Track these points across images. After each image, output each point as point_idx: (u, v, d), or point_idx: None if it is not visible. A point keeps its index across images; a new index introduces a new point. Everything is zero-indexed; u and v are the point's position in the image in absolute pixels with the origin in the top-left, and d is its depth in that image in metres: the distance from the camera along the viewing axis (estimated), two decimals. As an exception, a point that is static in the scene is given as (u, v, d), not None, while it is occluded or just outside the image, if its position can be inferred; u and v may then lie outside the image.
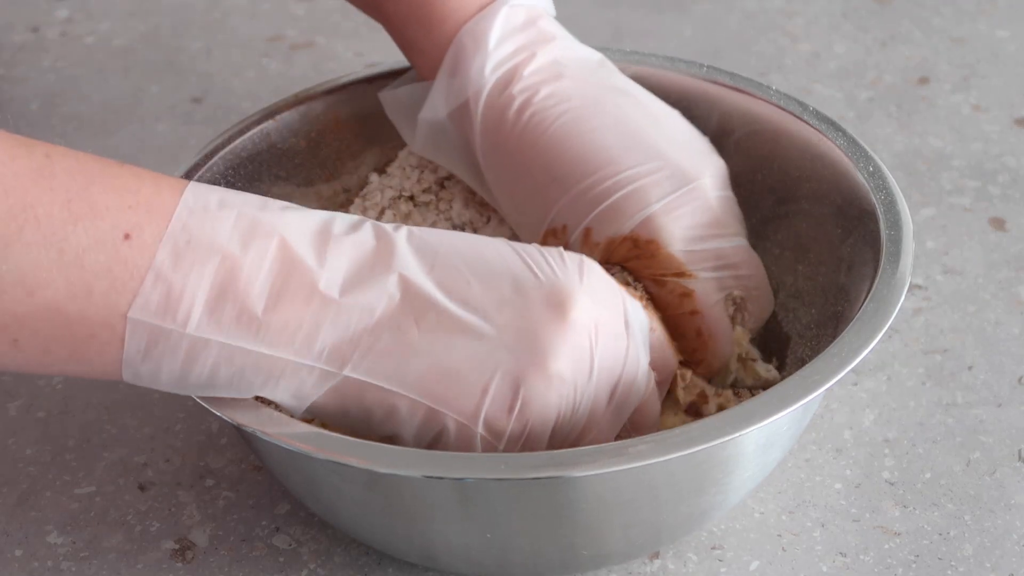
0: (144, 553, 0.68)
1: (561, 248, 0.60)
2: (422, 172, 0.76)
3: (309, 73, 1.01)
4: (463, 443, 0.58)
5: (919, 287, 0.82)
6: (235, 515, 0.70)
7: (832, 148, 0.71)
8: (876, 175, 0.68)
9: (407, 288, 0.57)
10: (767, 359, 0.72)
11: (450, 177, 0.76)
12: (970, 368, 0.76)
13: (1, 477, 0.72)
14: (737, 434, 0.56)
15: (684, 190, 0.67)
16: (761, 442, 0.60)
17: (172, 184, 0.56)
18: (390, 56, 0.74)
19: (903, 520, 0.68)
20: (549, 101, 0.69)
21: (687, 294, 0.68)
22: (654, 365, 0.64)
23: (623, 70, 0.75)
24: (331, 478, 0.60)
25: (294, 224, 0.57)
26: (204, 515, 0.70)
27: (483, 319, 0.57)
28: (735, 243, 0.69)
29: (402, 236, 0.58)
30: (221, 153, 0.73)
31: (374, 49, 1.04)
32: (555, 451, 0.57)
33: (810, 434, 0.73)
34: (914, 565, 0.66)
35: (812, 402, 0.59)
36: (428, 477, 0.56)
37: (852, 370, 0.59)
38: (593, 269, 0.60)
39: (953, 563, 0.66)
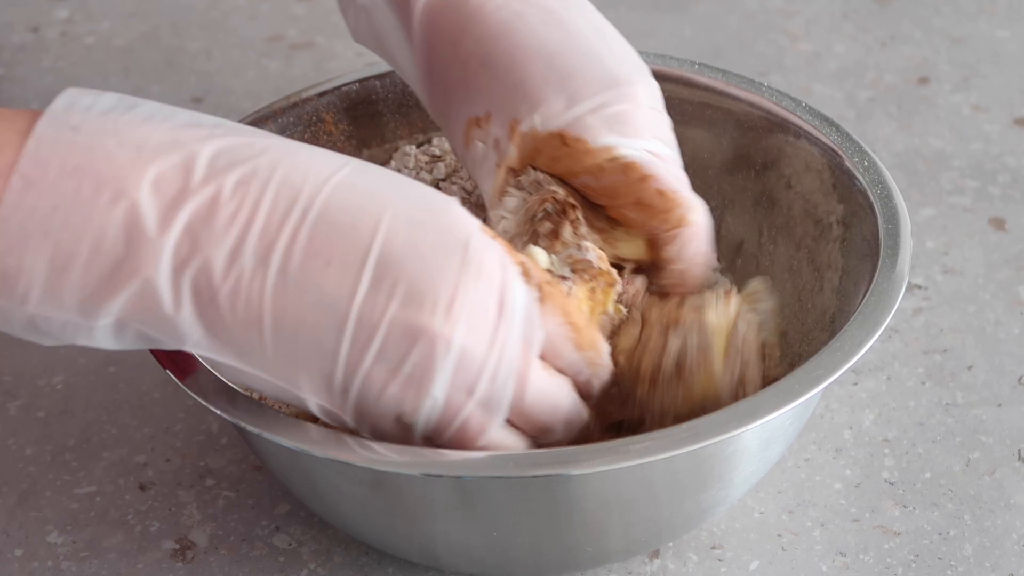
0: (144, 553, 0.68)
1: (452, 222, 0.56)
2: (418, 173, 0.76)
3: (309, 73, 1.01)
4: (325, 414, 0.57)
5: (919, 287, 0.82)
6: (235, 515, 0.70)
7: (827, 143, 0.71)
8: (872, 170, 0.69)
9: (253, 263, 0.54)
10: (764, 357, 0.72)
11: (446, 178, 0.76)
12: (970, 368, 0.76)
13: (1, 477, 0.72)
14: (739, 431, 0.56)
15: (617, 91, 0.64)
16: (762, 439, 0.60)
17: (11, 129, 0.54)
18: (390, 56, 0.74)
19: (903, 520, 0.68)
20: (500, 12, 0.66)
21: (630, 165, 0.64)
22: (554, 356, 0.59)
23: None
24: (331, 477, 0.60)
25: (149, 177, 0.54)
26: (204, 515, 0.70)
27: (329, 309, 0.55)
28: (665, 150, 0.65)
29: (267, 197, 0.54)
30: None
31: (374, 49, 1.04)
32: (555, 449, 0.57)
33: (810, 434, 0.73)
34: (914, 565, 0.66)
35: (813, 398, 0.59)
36: (427, 475, 0.56)
37: (852, 370, 0.59)
38: (476, 258, 0.55)
39: (953, 563, 0.66)
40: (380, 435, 0.58)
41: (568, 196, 0.64)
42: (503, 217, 0.66)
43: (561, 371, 0.59)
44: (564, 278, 0.62)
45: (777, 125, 0.73)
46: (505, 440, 0.58)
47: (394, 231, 0.55)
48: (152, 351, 0.61)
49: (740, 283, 0.75)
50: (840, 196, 0.70)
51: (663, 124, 0.66)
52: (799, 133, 0.72)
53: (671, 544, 0.67)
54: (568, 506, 0.58)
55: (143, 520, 0.70)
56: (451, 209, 0.56)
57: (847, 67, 1.01)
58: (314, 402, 0.57)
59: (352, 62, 1.02)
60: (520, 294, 0.57)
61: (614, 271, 0.63)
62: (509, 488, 0.57)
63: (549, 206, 0.65)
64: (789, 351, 0.72)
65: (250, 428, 0.58)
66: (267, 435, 0.57)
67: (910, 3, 1.08)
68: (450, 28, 0.67)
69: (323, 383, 0.56)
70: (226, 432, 0.74)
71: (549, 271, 0.62)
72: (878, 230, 0.65)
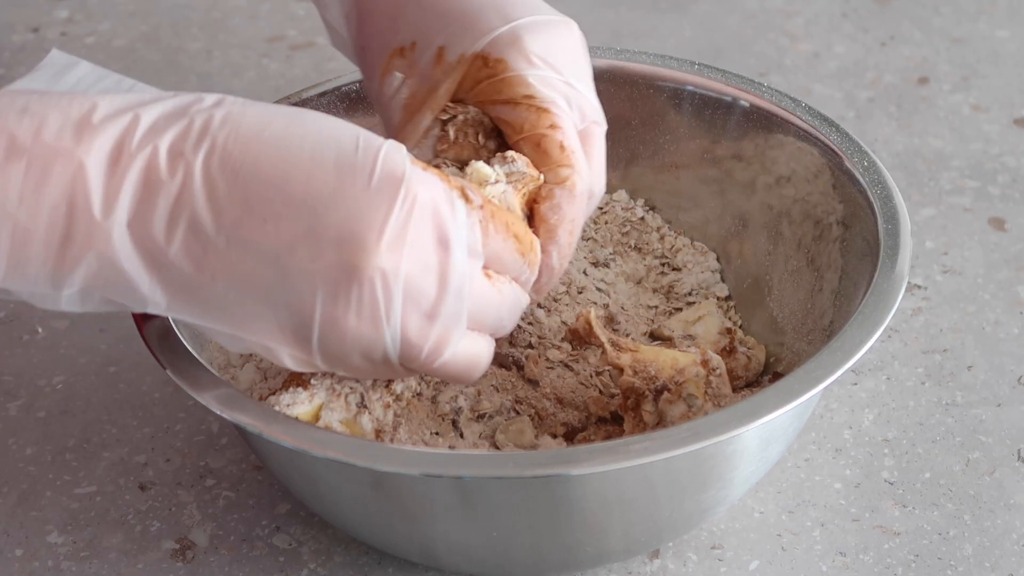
0: (144, 553, 0.68)
1: (381, 160, 0.56)
2: None
3: (309, 73, 1.01)
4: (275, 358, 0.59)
5: (919, 287, 0.82)
6: (235, 515, 0.70)
7: (826, 143, 0.71)
8: (871, 170, 0.69)
9: (194, 227, 0.56)
10: (764, 356, 0.73)
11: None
12: (970, 368, 0.76)
13: (1, 477, 0.72)
14: (739, 431, 0.56)
15: (547, 18, 0.65)
16: (762, 439, 0.60)
17: None
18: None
19: (903, 520, 0.68)
20: None
21: (544, 110, 0.64)
22: (497, 264, 0.60)
23: (617, 68, 0.75)
24: (331, 477, 0.60)
25: (92, 152, 0.55)
26: (204, 515, 0.70)
27: (273, 264, 0.56)
28: (579, 94, 0.66)
29: (199, 161, 0.55)
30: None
31: (374, 49, 1.04)
32: (556, 450, 0.57)
33: (810, 434, 0.73)
34: (914, 565, 0.66)
35: (813, 398, 0.59)
36: (427, 475, 0.56)
37: (852, 370, 0.59)
38: (411, 183, 0.56)
39: (953, 563, 0.66)
40: (356, 372, 0.59)
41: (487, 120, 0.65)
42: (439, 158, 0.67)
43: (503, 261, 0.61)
44: (501, 182, 0.64)
45: (777, 125, 0.73)
46: (471, 346, 0.59)
47: (324, 180, 0.55)
48: (151, 350, 0.61)
49: (739, 283, 0.76)
50: (840, 196, 0.70)
51: (584, 63, 0.66)
52: (799, 133, 0.72)
53: (671, 544, 0.67)
54: (568, 506, 0.58)
55: (143, 520, 0.70)
56: (382, 149, 0.56)
57: (847, 67, 1.01)
58: (286, 352, 0.58)
59: (352, 62, 1.02)
60: (460, 217, 0.57)
61: (535, 171, 0.65)
62: (509, 488, 0.57)
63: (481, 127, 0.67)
64: (789, 351, 0.72)
65: (250, 428, 0.58)
66: (267, 436, 0.57)
67: (910, 3, 1.08)
68: None
69: (285, 335, 0.57)
70: (226, 432, 0.74)
71: (488, 184, 0.63)
72: (878, 230, 0.65)
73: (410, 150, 0.63)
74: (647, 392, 0.64)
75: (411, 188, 0.56)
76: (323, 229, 0.55)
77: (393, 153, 0.56)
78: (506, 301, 0.61)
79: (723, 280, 0.76)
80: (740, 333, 0.73)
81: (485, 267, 0.60)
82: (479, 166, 0.63)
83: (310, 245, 0.55)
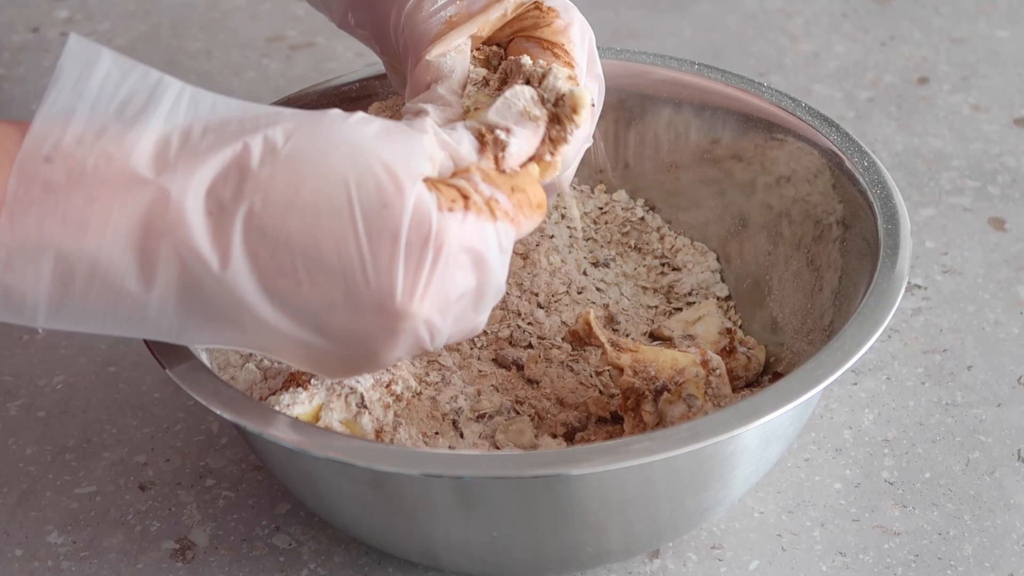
0: (144, 553, 0.68)
1: (407, 217, 0.56)
2: None
3: (309, 73, 1.01)
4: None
5: (919, 287, 0.82)
6: (235, 515, 0.70)
7: (826, 143, 0.71)
8: (871, 170, 0.69)
9: (234, 293, 0.56)
10: (765, 356, 0.73)
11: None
12: (970, 368, 0.76)
13: (1, 477, 0.72)
14: (739, 431, 0.56)
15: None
16: (762, 439, 0.60)
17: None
18: (390, 56, 0.74)
19: (903, 520, 0.68)
20: None
21: (569, 60, 0.65)
22: None
23: (617, 67, 0.75)
24: (332, 477, 0.60)
25: (119, 229, 0.55)
26: (204, 515, 0.70)
27: (312, 326, 0.57)
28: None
29: (238, 227, 0.55)
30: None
31: (374, 49, 1.04)
32: (556, 450, 0.57)
33: (810, 434, 0.73)
34: (914, 565, 0.66)
35: (813, 399, 0.59)
36: (427, 475, 0.56)
37: (852, 370, 0.59)
38: (441, 235, 0.56)
39: (953, 563, 0.66)
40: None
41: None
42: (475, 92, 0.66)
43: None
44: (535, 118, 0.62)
45: (776, 125, 0.73)
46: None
47: (355, 246, 0.56)
48: (151, 350, 0.61)
49: (739, 283, 0.76)
50: (840, 196, 0.70)
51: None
52: (798, 133, 0.72)
53: (671, 544, 0.67)
54: (568, 506, 0.58)
55: (143, 520, 0.70)
56: (407, 204, 0.56)
57: (847, 67, 1.01)
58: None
59: (352, 62, 1.02)
60: (491, 240, 0.58)
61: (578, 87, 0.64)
62: (509, 488, 0.57)
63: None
64: (789, 350, 0.72)
65: (250, 428, 0.58)
66: (267, 435, 0.57)
67: (910, 3, 1.08)
68: None
69: (322, 369, 0.59)
70: (226, 432, 0.74)
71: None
72: (878, 230, 0.65)
73: (431, 68, 0.65)
74: (647, 392, 0.64)
75: (440, 238, 0.56)
76: (359, 295, 0.56)
77: (420, 206, 0.56)
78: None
79: (723, 280, 0.77)
80: (740, 333, 0.73)
81: None
82: (523, 90, 0.62)
83: (348, 309, 0.56)
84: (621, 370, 0.65)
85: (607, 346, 0.66)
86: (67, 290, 0.55)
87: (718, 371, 0.65)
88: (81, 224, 0.54)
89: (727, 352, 0.71)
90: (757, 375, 0.71)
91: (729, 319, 0.75)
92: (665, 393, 0.64)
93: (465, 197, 0.57)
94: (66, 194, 0.54)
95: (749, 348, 0.72)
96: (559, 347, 0.72)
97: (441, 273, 0.56)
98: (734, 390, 0.69)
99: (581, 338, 0.67)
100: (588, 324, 0.67)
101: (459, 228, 0.57)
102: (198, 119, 0.57)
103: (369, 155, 0.56)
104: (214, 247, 0.55)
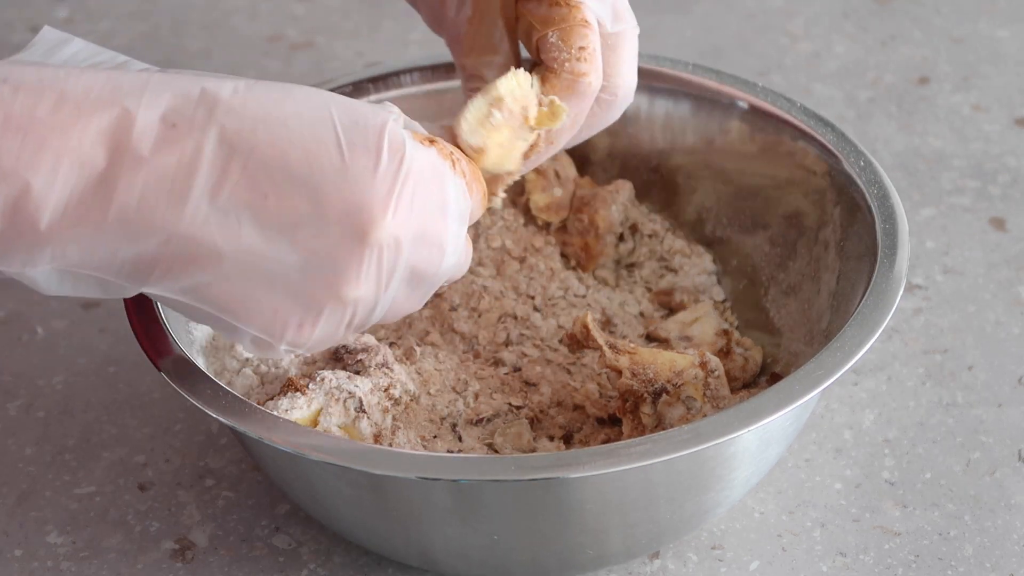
0: (144, 553, 0.68)
1: (386, 134, 0.56)
2: None
3: (309, 73, 1.01)
4: (264, 349, 0.58)
5: (919, 287, 0.82)
6: (235, 515, 0.70)
7: (823, 144, 0.71)
8: (868, 169, 0.69)
9: (200, 209, 0.55)
10: (762, 357, 0.73)
11: None
12: (970, 368, 0.76)
13: (1, 477, 0.72)
14: (738, 433, 0.56)
15: None
16: (762, 440, 0.60)
17: None
18: (390, 56, 0.74)
19: (903, 520, 0.68)
20: None
21: (576, 7, 0.65)
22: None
23: None
24: (329, 481, 0.60)
25: (90, 130, 0.55)
26: (204, 515, 0.70)
27: (276, 242, 0.56)
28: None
29: (212, 138, 0.56)
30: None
31: (374, 49, 1.04)
32: (555, 453, 0.57)
33: (810, 434, 0.73)
34: (914, 565, 0.66)
35: (811, 400, 0.59)
36: (425, 479, 0.56)
37: (852, 370, 0.59)
38: (413, 160, 0.57)
39: (953, 563, 0.66)
40: (327, 343, 0.58)
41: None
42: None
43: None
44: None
45: (773, 126, 0.73)
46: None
47: (328, 159, 0.56)
48: (147, 354, 0.61)
49: (735, 284, 0.76)
50: (837, 197, 0.70)
51: None
52: (795, 134, 0.72)
53: (671, 544, 0.67)
54: (567, 509, 0.58)
55: (143, 520, 0.70)
56: (386, 126, 0.57)
57: (847, 67, 1.01)
58: (279, 335, 0.57)
59: (352, 62, 1.02)
60: (455, 186, 0.58)
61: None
62: (508, 492, 0.57)
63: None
64: (786, 352, 0.72)
65: (248, 433, 0.58)
66: (265, 440, 0.57)
67: (910, 3, 1.08)
68: None
69: (283, 312, 0.57)
70: (226, 432, 0.74)
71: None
72: (876, 231, 0.65)
73: (480, 65, 0.67)
74: (645, 394, 0.64)
75: (414, 163, 0.56)
76: (328, 208, 0.55)
77: (394, 129, 0.56)
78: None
79: (719, 283, 0.76)
80: (737, 334, 0.73)
81: None
82: (519, 74, 0.63)
83: (314, 223, 0.55)
84: (619, 372, 0.65)
85: (605, 348, 0.66)
86: (20, 208, 0.54)
87: (716, 372, 0.65)
88: (38, 145, 0.54)
89: (724, 353, 0.71)
90: (754, 376, 0.71)
91: (725, 320, 0.75)
92: (664, 395, 0.64)
93: (432, 141, 0.58)
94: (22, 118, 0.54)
95: (746, 349, 0.72)
96: (556, 350, 0.72)
97: (412, 191, 0.56)
98: (731, 392, 0.69)
99: (579, 341, 0.67)
100: (585, 327, 0.67)
101: (427, 159, 0.57)
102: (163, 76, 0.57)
103: (341, 99, 0.57)
104: (180, 161, 0.55)
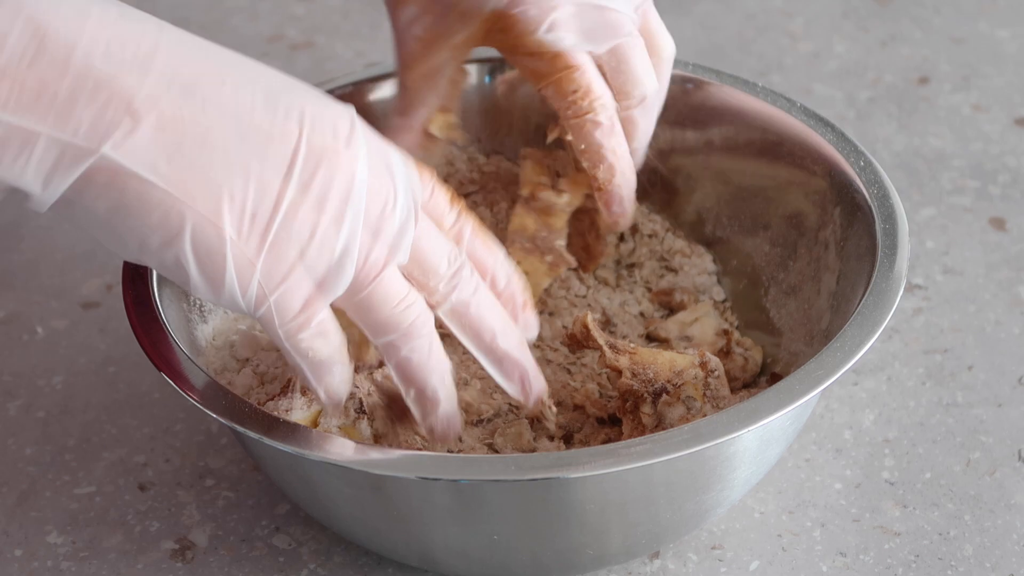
0: (144, 553, 0.68)
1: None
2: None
3: (309, 73, 1.01)
4: (208, 250, 0.55)
5: (919, 287, 0.82)
6: (235, 515, 0.70)
7: (822, 144, 0.71)
8: (868, 170, 0.69)
9: (172, 79, 0.55)
10: (762, 357, 0.73)
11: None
12: (970, 368, 0.76)
13: (1, 477, 0.72)
14: (737, 433, 0.56)
15: None
16: (761, 440, 0.60)
17: None
18: (390, 56, 0.73)
19: (903, 520, 0.68)
20: None
21: (556, 55, 0.67)
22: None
23: None
24: (327, 481, 0.60)
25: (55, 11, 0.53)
26: (204, 515, 0.70)
27: (234, 121, 0.54)
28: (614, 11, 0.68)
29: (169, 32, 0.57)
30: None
31: (374, 49, 1.04)
32: (555, 453, 0.57)
33: (810, 434, 0.73)
34: (914, 565, 0.66)
35: (811, 400, 0.59)
36: (425, 479, 0.56)
37: (852, 370, 0.59)
38: (353, 120, 0.57)
39: (953, 563, 0.66)
40: (288, 302, 0.56)
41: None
42: None
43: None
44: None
45: (773, 126, 0.73)
46: (397, 285, 0.58)
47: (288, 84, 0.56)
48: (147, 353, 0.61)
49: (735, 284, 0.76)
50: (837, 197, 0.70)
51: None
52: (795, 134, 0.72)
53: (671, 544, 0.67)
54: (567, 509, 0.58)
55: (143, 520, 0.70)
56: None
57: (847, 67, 1.01)
58: (229, 250, 0.54)
59: (352, 62, 1.02)
60: (400, 158, 0.58)
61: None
62: (508, 491, 0.57)
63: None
64: (786, 352, 0.72)
65: (248, 433, 0.58)
66: (265, 440, 0.57)
67: (910, 3, 1.08)
68: None
69: (238, 209, 0.54)
70: (226, 432, 0.74)
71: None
72: (876, 231, 0.65)
73: (421, 86, 0.68)
74: (645, 394, 0.64)
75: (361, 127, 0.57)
76: (286, 107, 0.55)
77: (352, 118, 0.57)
78: (443, 250, 0.60)
79: (719, 283, 0.76)
80: (737, 335, 0.73)
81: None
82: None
83: (269, 110, 0.55)
84: (619, 372, 0.65)
85: (605, 348, 0.66)
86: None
87: (716, 372, 0.65)
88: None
89: (724, 353, 0.71)
90: (754, 376, 0.71)
91: (725, 320, 0.75)
92: (664, 395, 0.64)
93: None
94: None
95: (746, 349, 0.72)
96: (556, 350, 0.72)
97: (370, 134, 0.57)
98: (731, 391, 0.69)
99: (579, 341, 0.67)
100: (586, 327, 0.67)
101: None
102: None
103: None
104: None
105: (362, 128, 0.57)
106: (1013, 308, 0.80)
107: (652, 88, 0.70)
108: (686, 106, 0.76)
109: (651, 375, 0.64)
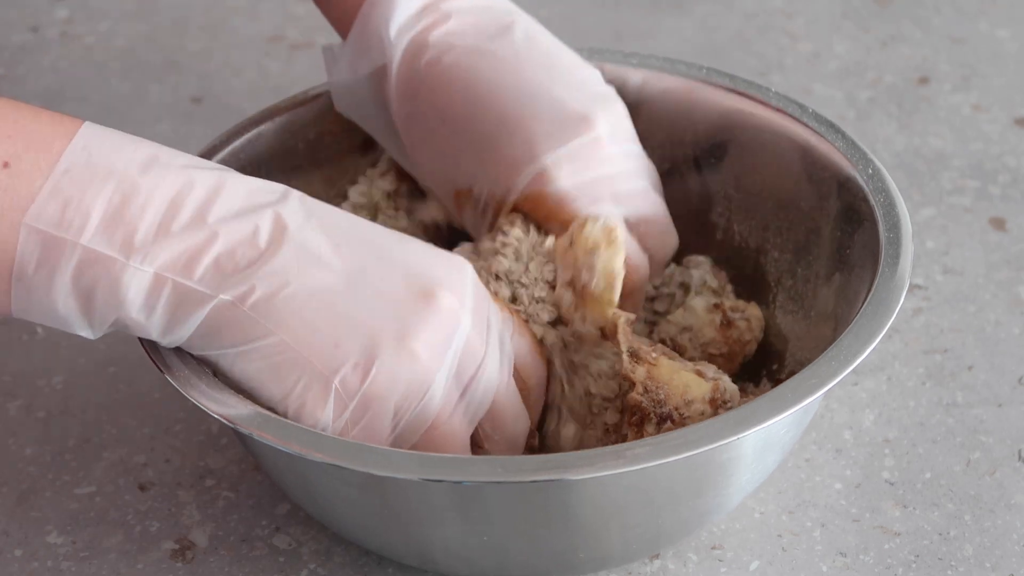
0: (144, 553, 0.68)
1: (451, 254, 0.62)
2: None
3: (309, 73, 1.01)
4: (316, 398, 0.59)
5: (919, 287, 0.82)
6: (235, 515, 0.70)
7: (831, 150, 0.70)
8: (875, 177, 0.68)
9: (294, 234, 0.59)
10: (767, 362, 0.72)
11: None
12: (970, 368, 0.76)
13: (1, 477, 0.72)
14: (735, 437, 0.56)
15: (577, 141, 0.68)
16: (759, 445, 0.60)
17: (52, 117, 0.58)
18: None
19: (903, 520, 0.68)
20: (453, 68, 0.69)
21: (591, 219, 0.68)
22: (522, 373, 0.65)
23: (623, 74, 0.75)
24: (328, 481, 0.60)
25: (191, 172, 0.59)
26: (204, 515, 0.70)
27: (355, 286, 0.59)
28: (633, 185, 0.70)
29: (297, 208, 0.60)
30: (220, 154, 0.73)
31: (374, 49, 1.04)
32: (553, 454, 0.57)
33: (810, 434, 0.73)
34: (914, 565, 0.66)
35: (810, 405, 0.59)
36: (426, 480, 0.56)
37: (852, 370, 0.59)
38: (467, 273, 0.61)
39: (953, 563, 0.66)
40: (376, 427, 0.60)
41: (515, 312, 0.67)
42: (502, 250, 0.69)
43: (528, 376, 0.65)
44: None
45: (781, 130, 0.73)
46: (464, 442, 0.63)
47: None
48: (148, 352, 0.61)
49: (741, 287, 0.76)
50: (842, 203, 0.69)
51: (622, 156, 0.70)
52: (803, 139, 0.72)
53: (670, 546, 0.67)
54: (566, 512, 0.58)
55: (143, 520, 0.70)
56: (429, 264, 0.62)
57: (847, 67, 1.01)
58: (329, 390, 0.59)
59: (352, 62, 1.02)
60: (495, 316, 0.62)
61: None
62: (507, 493, 0.57)
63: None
64: (792, 358, 0.72)
65: (250, 433, 0.58)
66: (266, 440, 0.57)
67: (910, 3, 1.08)
68: (423, 106, 0.70)
69: (340, 361, 0.59)
70: (226, 432, 0.74)
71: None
72: (879, 237, 0.65)
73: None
74: (652, 415, 0.64)
75: (472, 281, 0.62)
76: (392, 265, 0.60)
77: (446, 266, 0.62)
78: (518, 414, 0.64)
79: (729, 289, 0.76)
80: (729, 300, 0.73)
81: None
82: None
83: (382, 268, 0.60)
84: (632, 384, 0.64)
85: (625, 356, 0.65)
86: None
87: (730, 404, 0.64)
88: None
89: (725, 327, 0.70)
90: (761, 331, 0.71)
91: (714, 278, 0.74)
92: (668, 422, 0.63)
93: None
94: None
95: (743, 312, 0.71)
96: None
97: (474, 290, 0.62)
98: (746, 354, 0.70)
99: (606, 335, 0.66)
100: (615, 327, 0.66)
101: (472, 277, 0.62)
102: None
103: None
104: None
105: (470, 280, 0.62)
106: (1013, 308, 0.80)
107: (666, 246, 0.73)
108: (690, 107, 0.75)
109: (662, 396, 0.64)
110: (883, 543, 0.67)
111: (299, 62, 1.03)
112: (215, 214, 0.58)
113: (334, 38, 1.05)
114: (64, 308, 0.58)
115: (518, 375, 0.64)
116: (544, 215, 0.68)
